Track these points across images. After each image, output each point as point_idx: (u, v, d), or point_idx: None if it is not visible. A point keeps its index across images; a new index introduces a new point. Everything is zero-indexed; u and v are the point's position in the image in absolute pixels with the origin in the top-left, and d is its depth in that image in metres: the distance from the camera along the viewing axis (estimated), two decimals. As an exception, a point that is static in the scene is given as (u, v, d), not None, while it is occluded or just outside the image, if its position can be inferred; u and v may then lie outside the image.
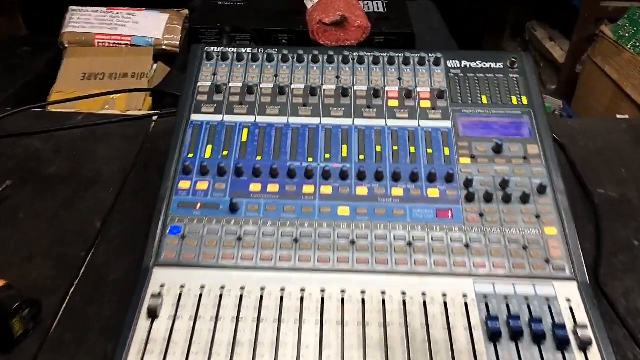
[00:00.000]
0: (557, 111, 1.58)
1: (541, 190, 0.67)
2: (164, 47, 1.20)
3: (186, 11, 1.29)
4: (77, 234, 0.76)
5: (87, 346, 0.63)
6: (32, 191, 0.83)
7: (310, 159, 0.71)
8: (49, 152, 0.91)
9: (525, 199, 0.67)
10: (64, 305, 0.67)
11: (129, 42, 1.20)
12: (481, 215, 0.66)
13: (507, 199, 0.67)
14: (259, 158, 0.71)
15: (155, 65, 1.20)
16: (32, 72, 1.22)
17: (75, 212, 0.80)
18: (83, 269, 0.72)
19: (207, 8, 1.08)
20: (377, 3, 1.09)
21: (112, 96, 1.06)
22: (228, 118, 0.75)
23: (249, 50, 0.81)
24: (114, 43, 1.19)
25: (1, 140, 0.93)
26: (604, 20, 1.92)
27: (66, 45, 1.20)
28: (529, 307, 0.58)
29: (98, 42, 1.20)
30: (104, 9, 1.24)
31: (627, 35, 1.81)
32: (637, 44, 1.77)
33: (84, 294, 0.69)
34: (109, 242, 0.76)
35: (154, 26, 1.21)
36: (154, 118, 1.00)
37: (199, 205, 0.67)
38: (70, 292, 0.69)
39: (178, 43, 1.22)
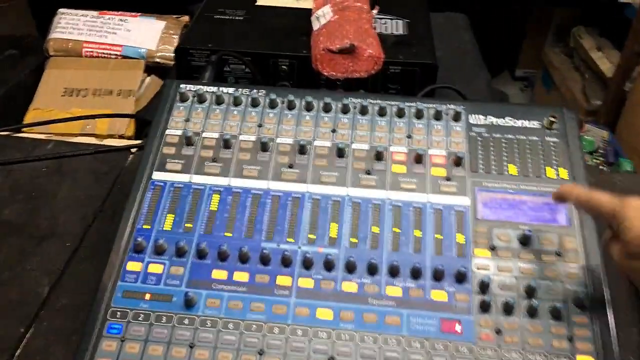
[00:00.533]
0: (600, 148, 1.40)
1: (578, 303, 0.53)
2: (157, 59, 1.08)
3: (186, 18, 1.16)
4: (18, 304, 0.65)
5: None
6: (-22, 242, 0.72)
7: (291, 240, 0.57)
8: (6, 190, 0.80)
9: (556, 314, 0.52)
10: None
11: (119, 53, 1.08)
12: (498, 332, 0.52)
13: (532, 312, 0.53)
14: (228, 235, 0.58)
15: (147, 79, 1.08)
16: (11, 82, 1.10)
17: (21, 273, 0.69)
18: (17, 354, 0.60)
19: (202, 22, 0.95)
20: (396, 23, 0.94)
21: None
22: (197, 179, 0.62)
23: (230, 90, 0.68)
24: (103, 53, 1.08)
25: (-42, 172, 0.82)
26: (660, 33, 1.72)
27: (51, 53, 1.09)
28: None
29: (85, 52, 1.08)
30: (95, 13, 1.12)
31: (685, 52, 1.61)
32: (697, 63, 1.56)
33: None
34: (54, 318, 0.64)
35: (147, 35, 1.08)
36: (133, 150, 0.88)
37: (148, 295, 0.54)
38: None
39: (173, 55, 1.09)
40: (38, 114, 0.99)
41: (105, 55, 1.08)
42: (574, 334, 0.52)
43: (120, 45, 1.09)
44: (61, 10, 1.14)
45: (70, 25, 1.12)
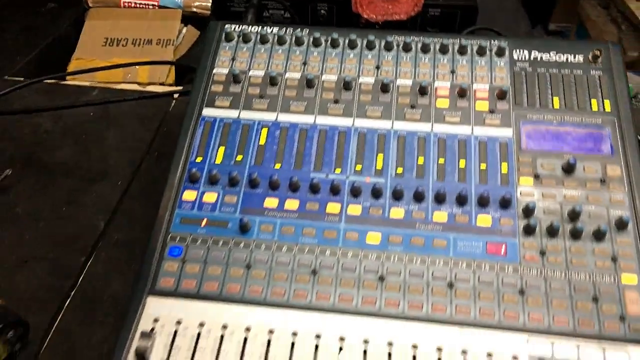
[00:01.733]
0: (639, 94, 1.38)
1: (621, 225, 0.54)
2: (194, 9, 1.09)
3: (220, -31, 1.17)
4: (76, 237, 0.69)
5: (76, 374, 0.56)
6: (34, 183, 0.76)
7: (338, 171, 0.59)
8: (57, 134, 0.83)
9: (599, 235, 0.54)
10: (54, 326, 0.60)
11: (156, 3, 1.09)
12: (542, 253, 0.54)
13: (576, 235, 0.54)
14: (277, 166, 0.60)
15: (184, 30, 1.09)
16: (53, 34, 1.13)
17: (77, 210, 0.72)
18: (80, 280, 0.64)
19: (239, -31, 0.96)
20: (433, -34, 0.94)
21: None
22: (245, 114, 0.64)
23: (274, 30, 0.69)
24: (141, 4, 1.09)
25: (8, 117, 0.85)
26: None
27: (90, 5, 1.11)
28: (596, 383, 0.47)
29: (124, 2, 1.10)
30: (131, -35, 1.14)
31: None
32: None
33: (76, 313, 0.61)
34: (111, 249, 0.68)
35: (183, -14, 1.10)
36: (175, 96, 0.90)
37: (204, 221, 0.57)
38: (64, 308, 0.62)
39: (210, 5, 1.10)
40: (80, 64, 1.02)
41: (143, 6, 1.10)
42: (617, 254, 0.53)
43: (157, -4, 1.10)
44: (98, -37, 1.15)
45: (107, -22, 1.13)
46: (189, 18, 1.11)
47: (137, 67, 0.99)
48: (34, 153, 0.80)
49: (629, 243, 0.54)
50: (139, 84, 0.97)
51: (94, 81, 0.96)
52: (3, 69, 1.05)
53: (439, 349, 0.50)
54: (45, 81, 0.92)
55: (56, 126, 0.85)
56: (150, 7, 1.12)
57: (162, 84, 0.98)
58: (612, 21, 2.07)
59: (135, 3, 1.13)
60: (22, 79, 0.95)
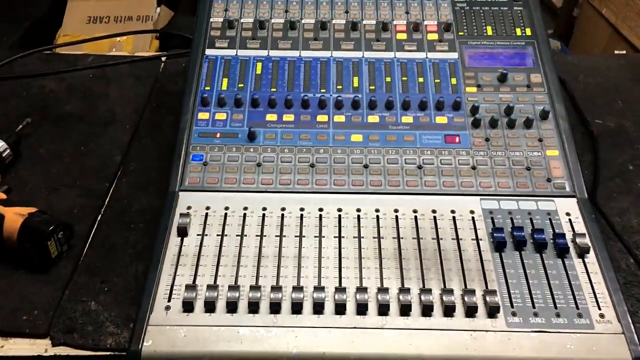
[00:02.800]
0: (555, 51, 1.60)
1: (544, 115, 0.71)
2: (167, -10, 1.21)
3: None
4: (98, 168, 0.80)
5: (117, 268, 0.67)
6: (51, 129, 0.86)
7: (323, 90, 0.74)
8: (63, 92, 0.93)
9: (528, 124, 0.70)
10: (92, 232, 0.71)
11: (132, -15, 1.20)
12: (487, 139, 0.70)
13: (511, 124, 0.70)
14: (273, 90, 0.74)
15: (158, 9, 1.21)
16: (35, 16, 1.22)
17: (94, 148, 0.83)
18: (107, 199, 0.75)
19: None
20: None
21: (118, 39, 1.07)
22: (242, 52, 0.77)
23: (258, -14, 0.83)
24: (118, -14, 1.20)
25: (14, 81, 0.95)
26: (602, -38, 1.92)
27: (70, -12, 1.21)
28: (531, 220, 0.63)
29: (101, -14, 1.20)
30: (106, -49, 1.24)
31: (625, -23, 1.81)
32: (635, -14, 1.77)
33: (110, 222, 0.72)
34: (130, 175, 0.79)
35: (156, -31, 1.21)
36: (163, 59, 1.02)
37: (218, 134, 0.70)
38: (98, 220, 0.72)
39: (181, -14, 1.22)
40: (67, 40, 1.12)
41: (120, -12, 1.21)
42: (542, 136, 0.70)
43: (133, -21, 1.21)
44: (74, -50, 1.25)
45: (83, -36, 1.23)
46: (162, -1, 1.23)
47: (122, 39, 1.10)
48: (46, 107, 0.90)
49: (551, 128, 0.70)
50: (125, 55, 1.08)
51: (84, 52, 1.06)
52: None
53: (415, 211, 0.64)
54: (41, 52, 1.02)
55: (60, 86, 0.95)
56: (127, -12, 1.23)
57: (147, 52, 1.09)
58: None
59: (112, -14, 1.24)
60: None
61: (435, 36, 0.78)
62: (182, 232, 0.61)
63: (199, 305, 0.55)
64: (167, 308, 0.56)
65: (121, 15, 1.15)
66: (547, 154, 0.68)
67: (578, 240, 0.60)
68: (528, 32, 0.79)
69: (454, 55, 0.77)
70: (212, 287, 0.56)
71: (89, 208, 0.74)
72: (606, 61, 1.03)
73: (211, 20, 0.80)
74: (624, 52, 1.24)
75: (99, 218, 0.73)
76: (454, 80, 0.74)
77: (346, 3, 0.81)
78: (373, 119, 0.71)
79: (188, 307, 0.55)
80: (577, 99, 0.91)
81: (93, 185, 0.77)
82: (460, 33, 0.78)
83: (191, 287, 0.56)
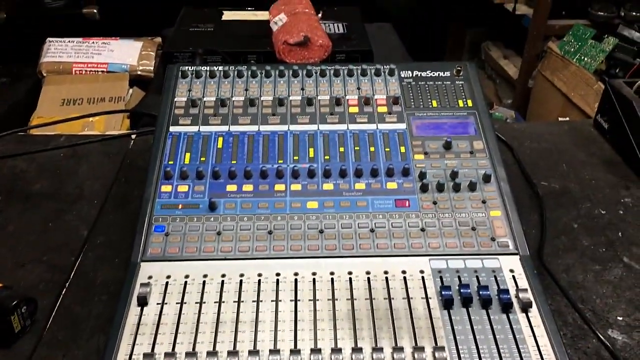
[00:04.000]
0: (509, 120, 1.69)
1: (486, 179, 0.76)
2: (139, 72, 1.27)
3: (159, 39, 1.37)
4: (65, 243, 0.82)
5: (80, 341, 0.68)
6: (20, 207, 0.88)
7: (281, 161, 0.78)
8: (33, 171, 0.97)
9: (472, 187, 0.75)
10: (56, 306, 0.72)
11: (105, 69, 1.26)
12: (434, 202, 0.74)
13: (457, 188, 0.75)
14: (233, 162, 0.78)
15: (131, 90, 1.27)
16: (11, 102, 1.27)
17: (62, 224, 0.85)
18: (73, 273, 0.77)
19: (180, 33, 1.16)
20: (337, 25, 1.19)
21: (90, 119, 1.12)
22: (204, 128, 0.82)
23: (220, 68, 0.89)
24: (91, 70, 1.26)
25: (-15, 163, 0.98)
26: (551, 37, 2.07)
27: (45, 74, 1.26)
28: (477, 278, 0.66)
29: (75, 70, 1.26)
30: (80, 39, 1.31)
31: (572, 50, 1.95)
32: (582, 57, 1.91)
33: (74, 296, 0.74)
34: (95, 249, 0.81)
35: (128, 53, 1.28)
36: (133, 137, 1.06)
37: (180, 205, 0.73)
38: (62, 294, 0.74)
39: (152, 68, 1.29)
40: (41, 121, 1.16)
41: (94, 72, 1.27)
42: (486, 198, 0.74)
43: (106, 63, 1.28)
44: (49, 39, 1.32)
45: (59, 51, 1.30)
46: (134, 81, 1.29)
47: (94, 119, 1.15)
48: (15, 186, 0.93)
49: (493, 190, 0.75)
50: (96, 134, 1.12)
51: (57, 132, 1.11)
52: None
53: (368, 273, 0.67)
54: (13, 134, 1.06)
55: (31, 166, 0.98)
56: (100, 72, 1.29)
57: (118, 131, 1.14)
58: (488, 77, 2.46)
59: (86, 71, 1.30)
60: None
61: (384, 109, 0.84)
62: (142, 302, 0.63)
63: (157, 372, 0.57)
64: (126, 377, 0.57)
65: (94, 96, 1.21)
66: (490, 214, 0.73)
67: (521, 295, 0.63)
68: (470, 103, 0.85)
69: (403, 125, 0.82)
70: (170, 354, 0.58)
71: (54, 282, 0.75)
72: (550, 127, 1.11)
73: (175, 99, 0.85)
74: (567, 118, 1.33)
75: (63, 292, 0.74)
76: (402, 149, 0.79)
77: (302, 81, 0.88)
78: (328, 186, 0.76)
79: (146, 375, 0.56)
80: (523, 163, 0.97)
81: (59, 260, 0.79)
82: (407, 106, 0.85)
83: (149, 355, 0.58)
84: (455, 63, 0.90)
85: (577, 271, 0.77)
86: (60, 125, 1.12)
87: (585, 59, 1.89)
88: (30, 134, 1.10)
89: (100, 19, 1.61)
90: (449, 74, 0.89)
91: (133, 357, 0.58)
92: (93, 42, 1.30)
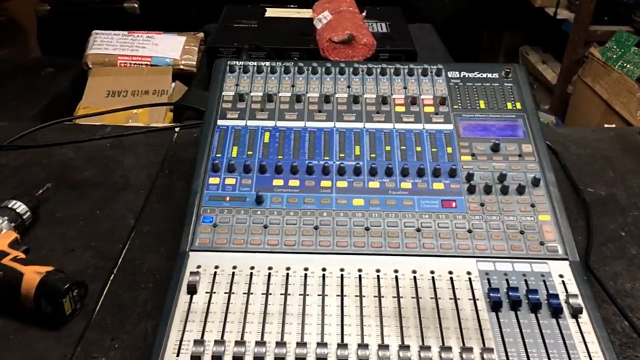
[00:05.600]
0: (550, 125, 1.67)
1: (535, 182, 0.75)
2: (181, 66, 1.29)
3: (201, 34, 1.38)
4: (112, 230, 0.83)
5: (128, 326, 0.69)
6: (69, 194, 0.90)
7: (327, 158, 0.78)
8: (81, 160, 0.99)
9: (521, 190, 0.74)
10: (105, 291, 0.74)
11: (149, 63, 1.29)
12: (482, 204, 0.73)
13: (504, 191, 0.74)
14: (280, 157, 0.79)
15: (174, 84, 1.29)
16: (56, 91, 1.30)
17: (109, 212, 0.87)
18: (120, 260, 0.79)
19: (224, 29, 1.17)
20: (380, 24, 1.19)
21: (135, 111, 1.14)
22: (251, 123, 0.83)
23: (267, 63, 0.90)
24: (135, 63, 1.28)
25: (36, 150, 1.00)
26: (592, 43, 2.04)
27: (90, 66, 1.29)
28: (526, 281, 0.65)
29: (120, 63, 1.29)
30: (125, 32, 1.33)
31: (614, 56, 1.92)
32: (624, 65, 1.87)
33: (122, 282, 0.75)
34: (142, 237, 0.83)
35: (172, 47, 1.30)
36: (177, 129, 1.08)
37: (228, 198, 0.74)
38: (110, 280, 0.75)
39: (195, 63, 1.31)
40: (87, 111, 1.19)
41: (138, 65, 1.29)
42: (535, 202, 0.73)
43: (150, 57, 1.30)
44: (95, 31, 1.35)
45: (105, 43, 1.33)
46: (177, 75, 1.31)
47: (138, 111, 1.17)
48: (64, 174, 0.95)
49: (542, 194, 0.74)
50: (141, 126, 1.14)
51: (102, 123, 1.13)
52: (12, 120, 1.21)
53: (414, 272, 0.67)
54: (60, 124, 1.08)
55: (78, 155, 1.00)
56: (144, 65, 1.31)
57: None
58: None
59: (131, 64, 1.32)
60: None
61: (431, 109, 0.84)
62: (192, 290, 0.64)
63: (207, 359, 0.58)
64: (175, 363, 0.58)
65: (138, 89, 1.23)
66: (539, 218, 0.72)
67: (571, 300, 0.63)
68: (518, 105, 0.84)
69: (450, 126, 0.82)
70: (219, 342, 0.58)
71: (102, 268, 0.77)
72: (596, 133, 1.09)
73: (223, 93, 0.86)
74: (613, 125, 1.31)
75: (111, 278, 0.76)
76: (449, 150, 0.79)
77: (348, 79, 0.88)
78: (374, 184, 0.76)
79: (195, 361, 0.57)
80: (568, 168, 0.95)
81: (106, 247, 0.80)
82: (454, 106, 0.84)
83: (199, 342, 0.58)
84: (504, 65, 0.89)
85: (625, 279, 0.76)
86: (105, 117, 1.14)
87: (628, 65, 1.85)
88: (77, 123, 1.12)
89: (141, 14, 1.64)
90: (497, 76, 0.88)
91: (183, 343, 0.59)
92: (138, 36, 1.33)
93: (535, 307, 0.62)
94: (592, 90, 1.95)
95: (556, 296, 0.63)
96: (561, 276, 0.66)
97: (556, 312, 0.62)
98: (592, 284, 0.73)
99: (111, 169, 0.97)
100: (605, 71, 1.91)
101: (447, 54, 1.33)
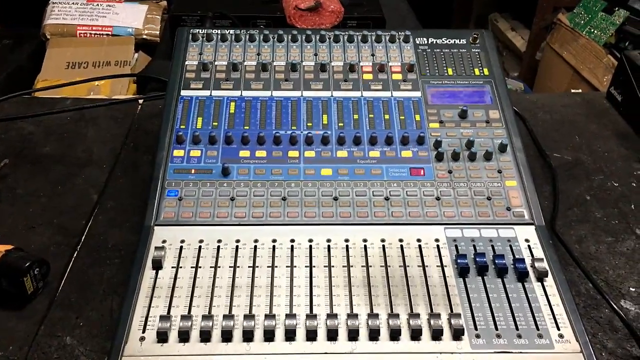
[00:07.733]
0: (518, 91, 1.67)
1: (502, 149, 0.75)
2: (144, 36, 1.25)
3: (164, 2, 1.34)
4: (75, 206, 0.81)
5: (93, 303, 0.68)
6: (29, 170, 0.87)
7: (294, 127, 0.77)
8: (41, 134, 0.96)
9: (488, 156, 0.74)
10: (68, 268, 0.72)
11: (110, 32, 1.24)
12: (450, 172, 0.73)
13: (472, 157, 0.74)
14: (246, 128, 0.77)
15: (136, 55, 1.25)
16: (14, 64, 1.25)
17: (71, 187, 0.85)
18: (84, 236, 0.77)
19: (187, -3, 1.14)
20: (348, -9, 1.16)
21: (96, 83, 1.10)
22: (216, 93, 0.80)
23: (231, 31, 0.87)
24: (95, 34, 1.24)
25: (-8, 125, 0.96)
26: (560, 9, 2.04)
27: (48, 37, 1.24)
28: (492, 247, 0.66)
29: (80, 33, 1.24)
30: (84, 0, 1.28)
31: (582, 22, 1.92)
32: (592, 30, 1.88)
33: (86, 259, 0.74)
34: (106, 213, 0.81)
35: (133, 17, 1.26)
36: (140, 101, 1.05)
37: (193, 170, 0.72)
38: (74, 256, 0.74)
39: (158, 32, 1.27)
40: (46, 84, 1.14)
41: (98, 35, 1.25)
42: (501, 167, 0.74)
43: (111, 26, 1.25)
44: (53, 0, 1.29)
45: (63, 12, 1.27)
46: (139, 45, 1.27)
47: (99, 83, 1.13)
48: (24, 149, 0.91)
49: (509, 160, 0.75)
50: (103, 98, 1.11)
51: (63, 96, 1.09)
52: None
53: (383, 240, 0.67)
54: (19, 97, 1.04)
55: (38, 129, 0.97)
56: (105, 35, 1.27)
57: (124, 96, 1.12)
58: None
59: (91, 34, 1.27)
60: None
61: (399, 76, 0.83)
62: (157, 265, 0.63)
63: (173, 335, 0.57)
64: (142, 339, 0.57)
65: (99, 60, 1.19)
66: (506, 184, 0.72)
67: (537, 264, 0.63)
68: (486, 72, 0.84)
69: (417, 93, 0.81)
70: (186, 317, 0.58)
71: (65, 245, 0.75)
72: (562, 99, 1.09)
73: (186, 63, 0.83)
74: (580, 90, 1.32)
75: (75, 255, 0.74)
76: (417, 117, 0.78)
77: (315, 46, 0.86)
78: (342, 153, 0.75)
79: (162, 337, 0.56)
80: (535, 134, 0.96)
81: (69, 223, 0.78)
82: (422, 73, 0.83)
83: (165, 317, 0.58)
84: (471, 31, 0.88)
85: (590, 242, 0.77)
86: (65, 89, 1.10)
87: (595, 31, 1.86)
88: (36, 96, 1.08)
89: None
90: (465, 42, 0.87)
91: (149, 319, 0.58)
92: (97, 4, 1.27)
93: (501, 272, 0.63)
94: (560, 56, 1.96)
95: (522, 260, 0.64)
96: (527, 241, 0.67)
97: (522, 276, 0.63)
98: (558, 247, 0.74)
99: (73, 143, 0.94)
100: (572, 37, 1.92)
101: (417, 21, 1.31)
